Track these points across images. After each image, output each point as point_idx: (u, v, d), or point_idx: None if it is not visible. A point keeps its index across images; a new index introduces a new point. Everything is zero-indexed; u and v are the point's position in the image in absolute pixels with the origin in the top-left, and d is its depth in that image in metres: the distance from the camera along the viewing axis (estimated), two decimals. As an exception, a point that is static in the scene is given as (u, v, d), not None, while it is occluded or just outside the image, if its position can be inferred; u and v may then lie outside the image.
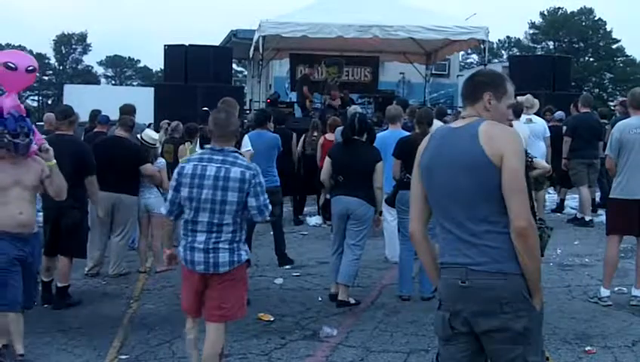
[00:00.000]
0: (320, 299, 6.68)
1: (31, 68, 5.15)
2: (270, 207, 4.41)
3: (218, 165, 4.23)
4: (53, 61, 72.82)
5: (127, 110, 9.35)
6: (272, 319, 5.80)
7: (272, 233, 8.23)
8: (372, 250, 8.09)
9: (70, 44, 73.01)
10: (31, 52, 69.10)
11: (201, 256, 4.20)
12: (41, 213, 6.29)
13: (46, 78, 71.10)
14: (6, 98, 4.94)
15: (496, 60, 38.94)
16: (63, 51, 72.68)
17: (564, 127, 11.12)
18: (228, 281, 4.25)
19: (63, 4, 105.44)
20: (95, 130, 9.82)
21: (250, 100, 18.68)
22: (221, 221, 4.20)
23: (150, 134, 8.13)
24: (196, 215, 4.22)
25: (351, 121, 6.84)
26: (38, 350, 5.25)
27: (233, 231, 4.24)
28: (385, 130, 8.08)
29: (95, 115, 10.62)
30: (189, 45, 16.26)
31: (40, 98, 70.44)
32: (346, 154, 6.58)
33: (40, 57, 70.06)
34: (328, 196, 6.87)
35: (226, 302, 4.27)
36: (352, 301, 6.47)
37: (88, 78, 67.45)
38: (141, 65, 74.71)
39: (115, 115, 9.70)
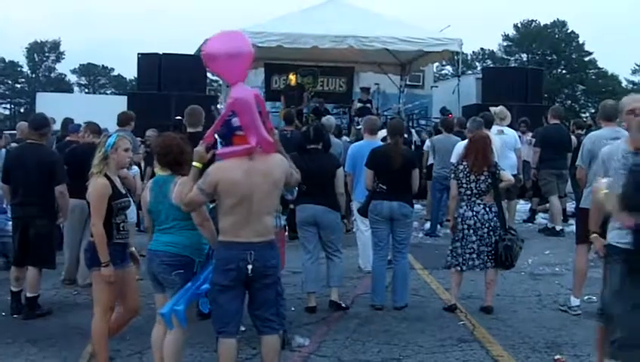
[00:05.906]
0: (293, 308, 6.64)
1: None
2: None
3: None
4: (25, 69, 72.05)
5: (125, 118, 9.34)
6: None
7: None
8: (345, 259, 8.05)
9: (43, 51, 72.24)
10: (3, 60, 68.83)
11: None
12: (10, 223, 6.21)
13: (18, 85, 70.42)
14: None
15: (470, 72, 39.26)
16: (36, 59, 71.88)
17: (534, 139, 11.34)
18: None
19: (36, 11, 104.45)
20: (67, 138, 9.73)
21: (225, 109, 18.62)
22: None
23: None
24: None
25: (306, 130, 6.93)
26: (7, 360, 5.17)
27: None
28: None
29: (67, 123, 10.52)
30: (163, 54, 16.22)
31: (12, 106, 69.62)
32: (305, 163, 6.53)
33: (12, 65, 69.44)
34: (292, 206, 6.93)
35: None
36: (343, 304, 6.67)
37: (61, 86, 66.75)
38: (115, 73, 74.16)
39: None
